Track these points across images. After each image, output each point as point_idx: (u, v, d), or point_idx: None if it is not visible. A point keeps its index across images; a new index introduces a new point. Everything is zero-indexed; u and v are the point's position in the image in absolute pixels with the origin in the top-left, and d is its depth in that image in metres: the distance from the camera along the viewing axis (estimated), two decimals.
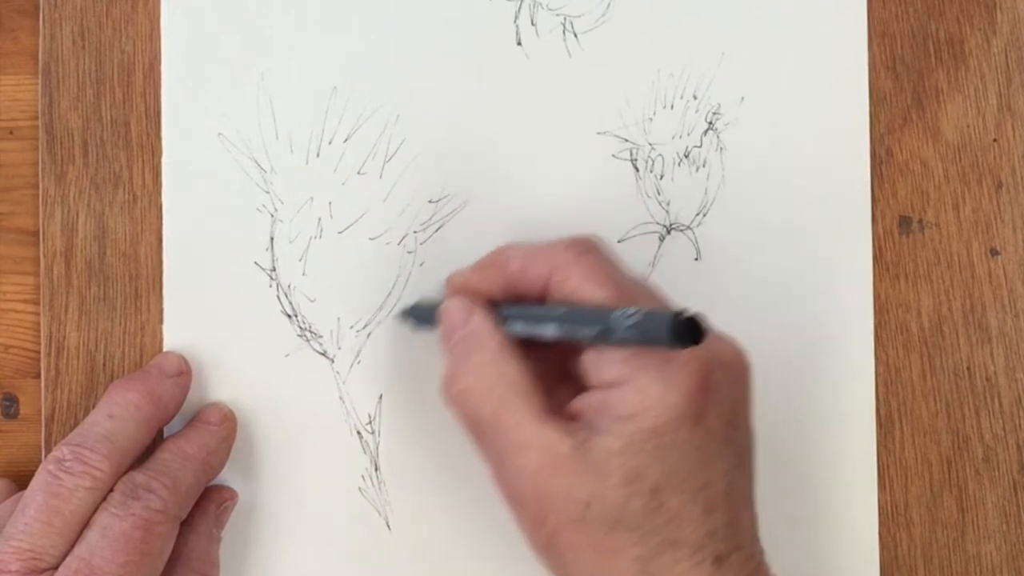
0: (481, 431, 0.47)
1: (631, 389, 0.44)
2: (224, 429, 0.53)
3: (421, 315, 0.53)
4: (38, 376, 0.55)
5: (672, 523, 0.44)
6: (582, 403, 0.45)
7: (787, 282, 0.56)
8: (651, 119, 0.56)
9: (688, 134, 0.56)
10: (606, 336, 0.44)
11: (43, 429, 0.54)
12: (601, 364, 0.45)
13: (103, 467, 0.48)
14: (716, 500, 0.45)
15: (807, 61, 0.56)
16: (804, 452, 0.56)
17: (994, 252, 0.56)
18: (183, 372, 0.53)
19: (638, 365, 0.44)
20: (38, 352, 0.55)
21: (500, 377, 0.46)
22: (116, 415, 0.50)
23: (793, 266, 0.56)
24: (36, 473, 0.49)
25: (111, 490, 0.48)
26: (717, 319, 0.55)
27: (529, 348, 0.48)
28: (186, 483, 0.50)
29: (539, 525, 0.46)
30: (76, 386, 0.54)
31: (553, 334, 0.46)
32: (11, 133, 0.56)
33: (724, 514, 0.45)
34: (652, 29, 0.56)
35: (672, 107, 0.56)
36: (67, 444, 0.49)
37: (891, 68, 0.57)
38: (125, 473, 0.49)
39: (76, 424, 0.52)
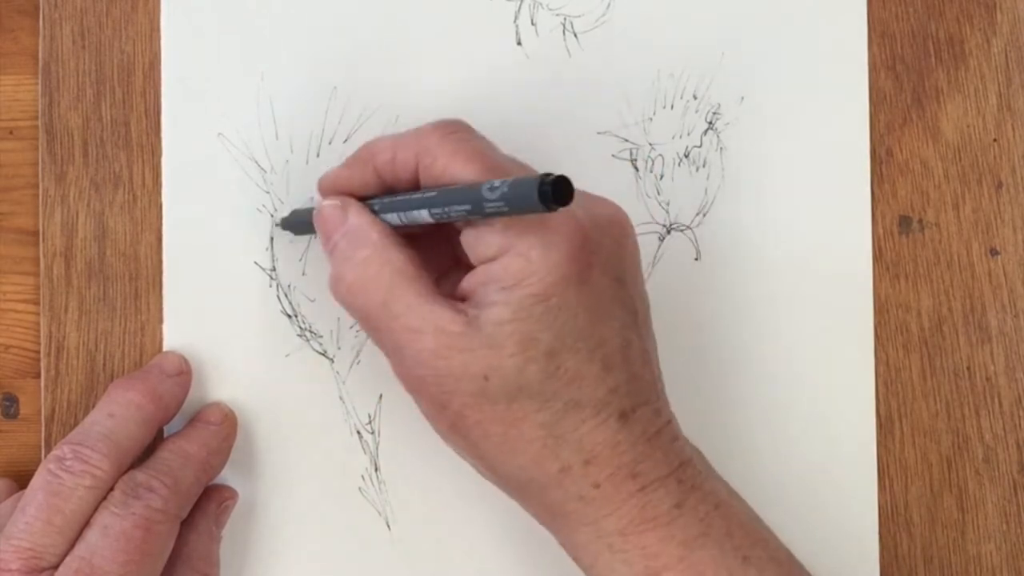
0: (375, 323, 0.47)
1: (512, 257, 0.44)
2: (225, 429, 0.53)
3: (299, 223, 0.53)
4: (38, 376, 0.55)
5: (572, 385, 0.44)
6: (469, 281, 0.45)
7: (787, 282, 0.56)
8: (651, 119, 0.56)
9: (688, 134, 0.56)
10: (478, 211, 0.44)
11: (43, 429, 0.54)
12: (479, 240, 0.45)
13: (103, 466, 0.49)
14: (613, 357, 0.45)
15: (807, 61, 0.56)
16: (804, 452, 0.57)
17: (994, 252, 0.57)
18: (183, 371, 0.53)
19: (516, 233, 0.44)
20: (38, 352, 0.55)
21: (385, 266, 0.46)
22: (117, 414, 0.50)
23: (793, 266, 0.56)
24: (36, 472, 0.49)
25: (111, 489, 0.49)
26: (717, 319, 0.56)
27: (414, 237, 0.48)
28: (187, 482, 0.50)
29: (442, 408, 0.46)
30: (76, 386, 0.55)
31: (428, 219, 0.46)
32: (11, 133, 0.56)
33: (623, 371, 0.45)
34: (652, 29, 0.56)
35: (672, 107, 0.56)
36: (68, 443, 0.49)
37: (891, 68, 0.57)
38: (126, 472, 0.49)
39: (76, 424, 0.52)
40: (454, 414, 0.45)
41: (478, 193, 0.44)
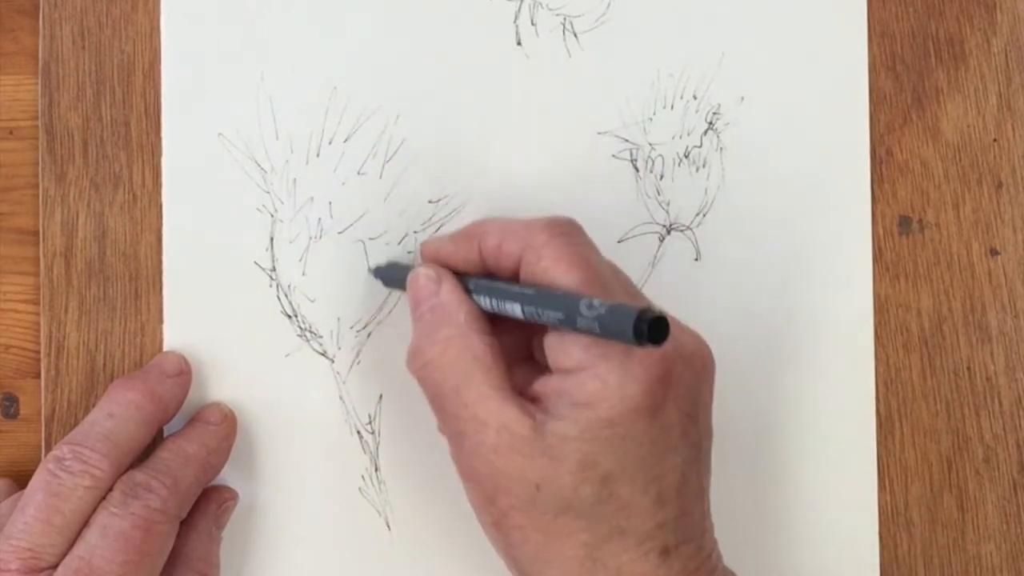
0: (443, 405, 0.47)
1: (590, 377, 0.44)
2: (224, 429, 0.53)
3: (391, 276, 0.54)
4: (38, 376, 0.55)
5: (621, 512, 0.45)
6: (543, 386, 0.46)
7: (787, 282, 0.57)
8: (651, 119, 0.56)
9: (688, 134, 0.57)
10: (569, 323, 0.44)
11: (43, 429, 0.55)
12: (562, 349, 0.46)
13: (103, 466, 0.49)
14: (668, 492, 0.45)
15: (807, 61, 0.57)
16: (804, 452, 0.57)
17: (994, 252, 0.57)
18: (183, 372, 0.53)
19: (598, 353, 0.44)
20: (38, 352, 0.55)
21: (465, 351, 0.47)
22: (116, 414, 0.51)
23: (793, 266, 0.57)
24: (36, 472, 0.49)
25: (111, 489, 0.49)
26: (717, 319, 0.56)
27: (496, 322, 0.48)
28: (186, 483, 0.51)
29: (490, 503, 0.46)
30: (76, 386, 0.55)
31: (518, 314, 0.46)
32: (11, 133, 0.56)
33: (675, 507, 0.45)
34: (652, 29, 0.56)
35: (672, 107, 0.56)
36: (67, 443, 0.49)
37: (891, 68, 0.57)
38: (125, 472, 0.50)
39: (76, 424, 0.52)
40: (499, 512, 0.46)
41: (574, 306, 0.44)
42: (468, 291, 0.49)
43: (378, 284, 0.55)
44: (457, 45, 0.56)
